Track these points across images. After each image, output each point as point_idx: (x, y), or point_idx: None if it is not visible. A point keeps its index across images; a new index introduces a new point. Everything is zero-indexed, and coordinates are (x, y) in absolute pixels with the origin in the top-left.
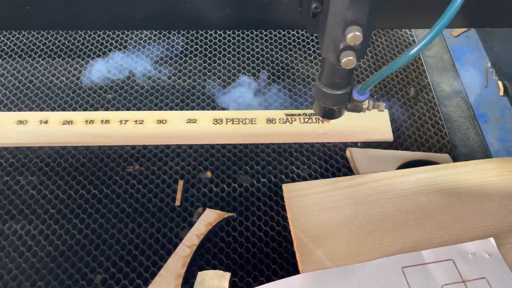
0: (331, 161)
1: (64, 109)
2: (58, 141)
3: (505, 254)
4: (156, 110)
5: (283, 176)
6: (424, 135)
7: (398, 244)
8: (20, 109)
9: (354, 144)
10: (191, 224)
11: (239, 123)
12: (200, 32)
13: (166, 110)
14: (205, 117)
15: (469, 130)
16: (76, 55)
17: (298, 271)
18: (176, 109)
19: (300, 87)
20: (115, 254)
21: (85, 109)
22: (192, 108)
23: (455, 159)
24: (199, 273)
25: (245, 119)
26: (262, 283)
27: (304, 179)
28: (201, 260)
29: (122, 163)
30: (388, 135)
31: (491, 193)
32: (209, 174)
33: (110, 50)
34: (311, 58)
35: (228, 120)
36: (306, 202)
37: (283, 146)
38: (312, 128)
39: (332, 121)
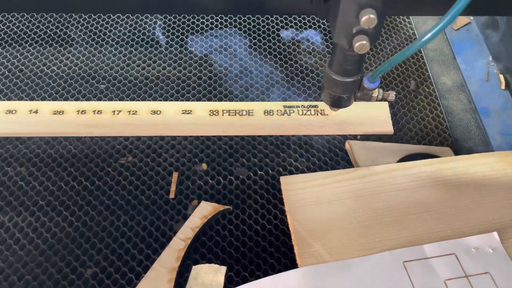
0: (330, 154)
1: (55, 99)
2: (48, 131)
3: (509, 248)
4: (150, 100)
5: (281, 169)
6: (425, 128)
7: (400, 238)
8: (9, 99)
9: (354, 137)
10: (185, 217)
11: (236, 115)
12: (196, 18)
13: (160, 100)
14: (201, 108)
15: (471, 124)
16: (67, 43)
17: (296, 265)
18: (171, 100)
19: (299, 78)
20: (106, 248)
21: (77, 99)
22: (188, 99)
23: (456, 152)
24: (194, 267)
25: (242, 110)
26: (258, 277)
27: (303, 171)
28: (196, 254)
29: (114, 155)
30: (388, 128)
31: (493, 187)
32: (204, 166)
33: (103, 39)
34: (310, 49)
35: (225, 111)
36: (305, 195)
37: (281, 138)
38: (310, 120)
39: (332, 113)
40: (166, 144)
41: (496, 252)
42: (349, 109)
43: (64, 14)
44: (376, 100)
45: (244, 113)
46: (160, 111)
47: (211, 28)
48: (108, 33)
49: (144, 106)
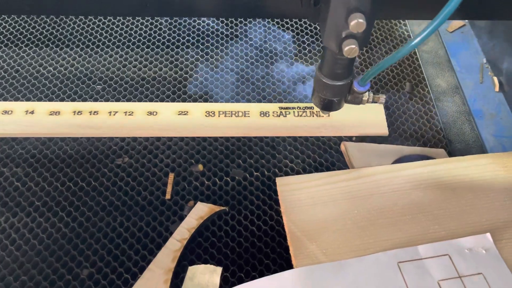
0: (326, 155)
1: (51, 100)
2: (44, 132)
3: (502, 249)
4: (146, 101)
5: (276, 170)
6: (419, 130)
7: (394, 239)
8: (5, 99)
9: (349, 138)
10: (181, 218)
11: (232, 116)
12: (193, 20)
13: (157, 101)
14: (197, 109)
15: (465, 126)
16: (64, 44)
17: (292, 266)
18: (167, 101)
19: (295, 80)
20: (102, 248)
21: (73, 100)
22: (184, 100)
23: (450, 154)
24: (190, 267)
25: (238, 111)
26: (254, 278)
27: (298, 173)
28: (192, 254)
29: (111, 155)
30: (383, 130)
31: (486, 189)
32: (200, 167)
33: (99, 40)
34: (306, 51)
35: (221, 112)
36: (300, 196)
37: (277, 140)
38: (306, 121)
39: (327, 114)
40: (162, 145)
41: (489, 253)
42: (345, 111)
43: (60, 16)
44: (367, 103)
45: (240, 114)
46: (156, 112)
47: (207, 30)
48: (105, 34)
49: (140, 107)
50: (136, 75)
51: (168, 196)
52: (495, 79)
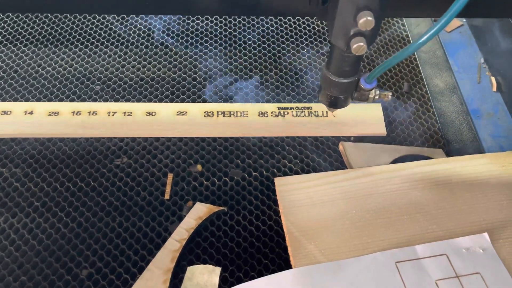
0: (324, 155)
1: (50, 100)
2: (43, 132)
3: (499, 249)
4: (145, 101)
5: (275, 170)
6: (417, 130)
7: (392, 239)
8: (4, 99)
9: (347, 138)
10: (180, 218)
11: (230, 116)
12: (192, 19)
13: (155, 102)
14: (195, 109)
15: (462, 126)
16: (63, 44)
17: (290, 266)
18: (166, 101)
19: (293, 80)
20: (101, 249)
21: (72, 100)
22: (183, 100)
23: (448, 154)
24: (189, 268)
25: (237, 112)
26: (253, 278)
27: (297, 173)
28: (191, 254)
29: (110, 156)
30: (381, 130)
31: (484, 188)
32: (199, 167)
33: (98, 40)
34: (304, 51)
35: (219, 113)
36: (299, 196)
37: (275, 140)
38: (304, 121)
39: (325, 114)
40: (161, 145)
41: (486, 253)
42: (343, 110)
43: (59, 15)
44: (373, 101)
45: (238, 114)
46: (155, 112)
47: (206, 30)
48: (103, 34)
49: (139, 107)
50: (135, 75)
51: (167, 197)
52: (493, 79)
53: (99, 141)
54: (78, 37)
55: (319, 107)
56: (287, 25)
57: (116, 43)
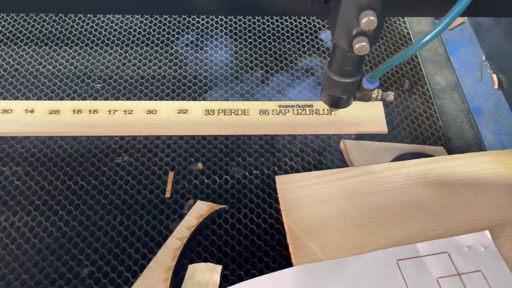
0: (325, 153)
1: (50, 98)
2: (44, 130)
3: (500, 247)
4: (146, 100)
5: (276, 168)
6: (418, 127)
7: (393, 237)
8: (5, 98)
9: (348, 136)
10: (181, 216)
11: (231, 114)
12: (192, 17)
13: (156, 100)
14: (196, 107)
15: (464, 123)
16: (63, 43)
17: (291, 264)
18: (167, 99)
19: (294, 78)
20: (102, 247)
21: (73, 99)
22: (183, 98)
23: (449, 152)
24: (190, 266)
25: (238, 110)
26: (254, 276)
27: (297, 171)
28: (192, 253)
29: (110, 154)
30: (383, 127)
31: (485, 186)
32: (200, 165)
33: (98, 39)
34: (305, 49)
35: (220, 111)
36: (299, 194)
37: (276, 138)
38: (305, 119)
39: (326, 112)
40: (162, 143)
41: (488, 251)
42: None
43: (59, 14)
44: (375, 100)
45: (239, 112)
46: (155, 111)
47: (207, 28)
48: (104, 33)
49: (139, 106)
50: (135, 74)
51: (168, 195)
52: (494, 76)
53: (100, 140)
54: (78, 35)
55: (320, 105)
56: (288, 23)
57: (116, 42)
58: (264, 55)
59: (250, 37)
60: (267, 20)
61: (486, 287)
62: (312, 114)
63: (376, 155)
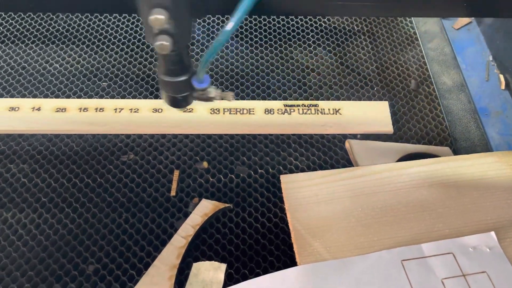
0: (330, 153)
1: (57, 96)
2: (51, 128)
3: (506, 248)
4: (152, 98)
5: (281, 167)
6: (424, 128)
7: (398, 237)
8: (12, 96)
9: (354, 136)
10: (186, 215)
11: (236, 113)
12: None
13: (162, 98)
14: (202, 106)
15: (470, 124)
16: (70, 41)
17: (296, 263)
18: None
19: (300, 77)
20: (108, 244)
21: (79, 97)
22: None
23: (455, 152)
24: (194, 264)
25: (243, 109)
26: (258, 275)
27: (302, 170)
28: (197, 251)
29: (116, 152)
30: (388, 127)
31: (491, 187)
32: (205, 164)
33: (105, 37)
34: (311, 48)
35: (226, 110)
36: (304, 193)
37: (281, 137)
38: (311, 119)
39: (332, 112)
40: (167, 142)
41: (493, 252)
42: (349, 108)
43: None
44: (216, 100)
45: (245, 111)
46: (161, 109)
47: (213, 27)
48: (110, 31)
49: (145, 104)
50: (141, 72)
51: (173, 193)
52: (501, 76)
53: (105, 138)
54: (85, 34)
55: (326, 104)
56: (293, 22)
57: (123, 40)
58: (270, 54)
59: (256, 36)
60: (273, 19)
61: None
62: (318, 114)
63: (382, 155)
